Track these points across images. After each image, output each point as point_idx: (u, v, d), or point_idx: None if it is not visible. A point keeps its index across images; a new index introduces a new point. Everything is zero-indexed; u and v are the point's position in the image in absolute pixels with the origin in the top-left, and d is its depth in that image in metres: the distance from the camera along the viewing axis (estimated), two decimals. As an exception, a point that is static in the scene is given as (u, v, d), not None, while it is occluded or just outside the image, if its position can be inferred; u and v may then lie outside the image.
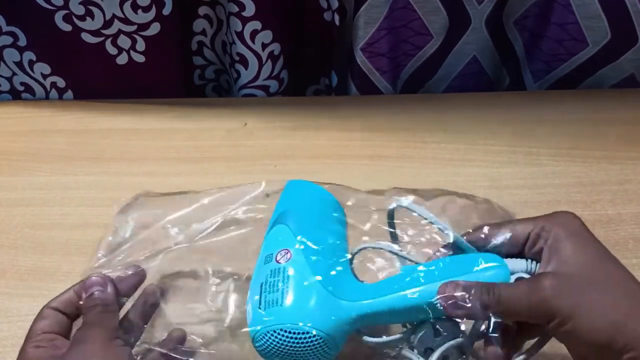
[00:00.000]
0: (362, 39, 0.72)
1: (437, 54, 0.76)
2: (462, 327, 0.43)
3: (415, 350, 0.42)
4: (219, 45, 0.77)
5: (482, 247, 0.44)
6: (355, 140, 0.71)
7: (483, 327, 0.42)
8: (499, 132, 0.72)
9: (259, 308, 0.42)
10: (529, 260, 0.43)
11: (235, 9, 0.69)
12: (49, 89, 0.76)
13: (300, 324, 0.41)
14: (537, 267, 0.42)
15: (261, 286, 0.43)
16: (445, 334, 0.42)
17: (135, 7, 0.68)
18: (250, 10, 0.69)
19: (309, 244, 0.44)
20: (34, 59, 0.73)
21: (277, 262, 0.44)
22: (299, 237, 0.45)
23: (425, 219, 0.44)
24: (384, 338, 0.44)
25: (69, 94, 0.77)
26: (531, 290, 0.39)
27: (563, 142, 0.70)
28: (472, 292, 0.40)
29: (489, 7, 0.72)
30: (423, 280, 0.42)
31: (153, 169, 0.68)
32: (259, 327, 0.42)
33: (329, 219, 0.48)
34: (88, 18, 0.69)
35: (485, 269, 0.42)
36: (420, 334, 0.42)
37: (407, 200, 0.46)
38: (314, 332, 0.41)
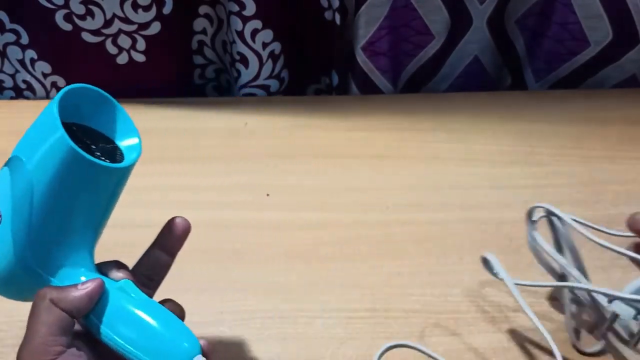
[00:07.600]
0: (362, 39, 0.72)
1: (438, 54, 0.76)
2: None
3: None
4: (220, 45, 0.77)
5: None
6: (356, 139, 0.71)
7: None
8: (500, 132, 0.71)
9: None
10: None
11: (236, 8, 0.69)
12: (49, 88, 0.76)
13: None
14: None
15: None
16: None
17: (135, 6, 0.68)
18: (250, 9, 0.69)
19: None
20: (35, 57, 0.73)
21: None
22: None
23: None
24: None
25: (69, 93, 0.77)
26: None
27: (564, 142, 0.70)
28: None
29: (490, 6, 0.72)
30: None
31: (153, 169, 0.68)
32: None
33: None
34: (88, 17, 0.68)
35: None
36: None
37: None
38: None
